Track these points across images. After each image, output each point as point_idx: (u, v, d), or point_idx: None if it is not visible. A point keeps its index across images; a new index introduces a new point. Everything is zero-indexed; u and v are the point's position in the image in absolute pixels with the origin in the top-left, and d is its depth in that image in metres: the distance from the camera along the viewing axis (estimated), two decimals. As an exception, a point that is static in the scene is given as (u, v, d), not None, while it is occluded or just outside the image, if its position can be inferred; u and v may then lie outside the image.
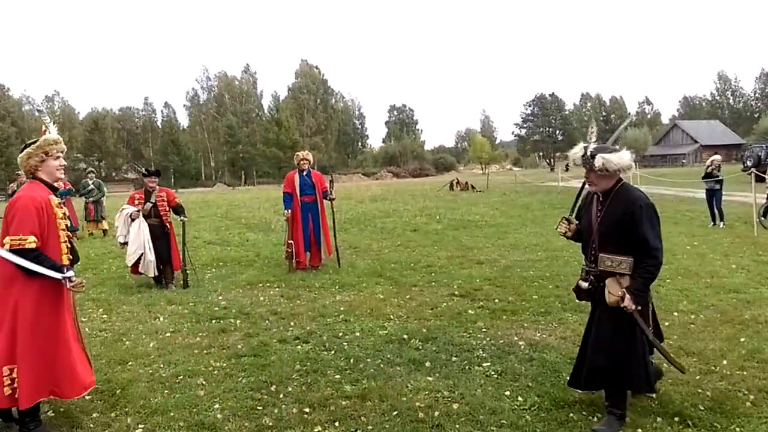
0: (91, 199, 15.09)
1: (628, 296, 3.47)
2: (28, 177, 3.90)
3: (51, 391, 3.77)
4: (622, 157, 3.58)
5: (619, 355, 3.59)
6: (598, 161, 3.54)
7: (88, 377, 4.00)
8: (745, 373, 4.49)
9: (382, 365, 4.95)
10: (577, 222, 3.91)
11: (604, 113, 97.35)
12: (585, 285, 3.76)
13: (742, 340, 5.24)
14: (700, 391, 4.17)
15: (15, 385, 3.59)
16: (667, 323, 5.86)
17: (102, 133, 75.24)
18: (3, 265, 3.57)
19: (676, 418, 3.74)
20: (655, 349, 3.80)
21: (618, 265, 3.57)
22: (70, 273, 3.71)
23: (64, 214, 3.85)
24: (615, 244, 3.58)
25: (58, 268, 3.65)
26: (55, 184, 3.98)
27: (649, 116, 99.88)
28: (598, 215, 3.70)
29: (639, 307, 3.50)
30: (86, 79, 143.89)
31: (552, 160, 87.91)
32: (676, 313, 6.20)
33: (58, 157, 3.88)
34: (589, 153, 3.64)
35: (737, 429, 3.58)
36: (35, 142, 3.90)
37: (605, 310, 3.63)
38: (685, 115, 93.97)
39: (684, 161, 69.60)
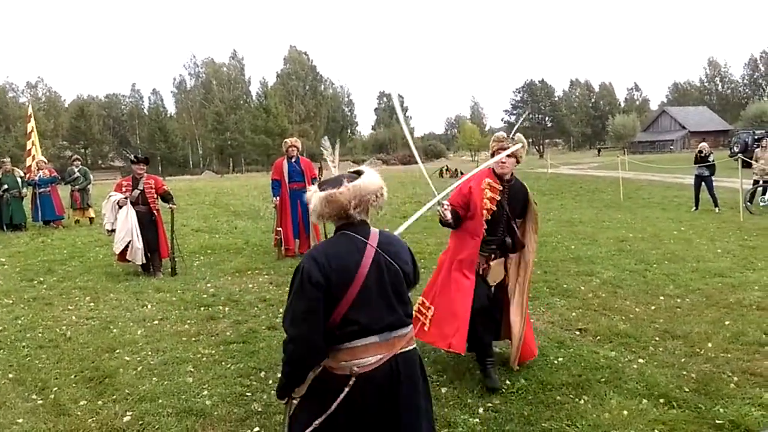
0: (76, 186, 14.91)
1: None
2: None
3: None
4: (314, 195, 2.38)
5: None
6: None
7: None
8: (729, 355, 4.55)
9: (371, 351, 4.96)
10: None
11: (592, 100, 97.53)
12: None
13: (727, 323, 5.31)
14: (685, 373, 4.23)
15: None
16: (653, 307, 5.93)
17: (88, 121, 74.22)
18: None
19: (662, 400, 3.79)
20: None
21: None
22: None
23: (491, 198, 4.19)
24: None
25: None
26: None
27: (637, 102, 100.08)
28: None
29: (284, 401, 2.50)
30: (71, 66, 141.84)
31: (541, 147, 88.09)
32: (662, 297, 6.26)
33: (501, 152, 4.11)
34: None
35: (721, 410, 3.63)
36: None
37: None
38: (674, 101, 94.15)
39: (672, 147, 69.96)
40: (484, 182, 4.18)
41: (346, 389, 2.28)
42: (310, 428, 2.29)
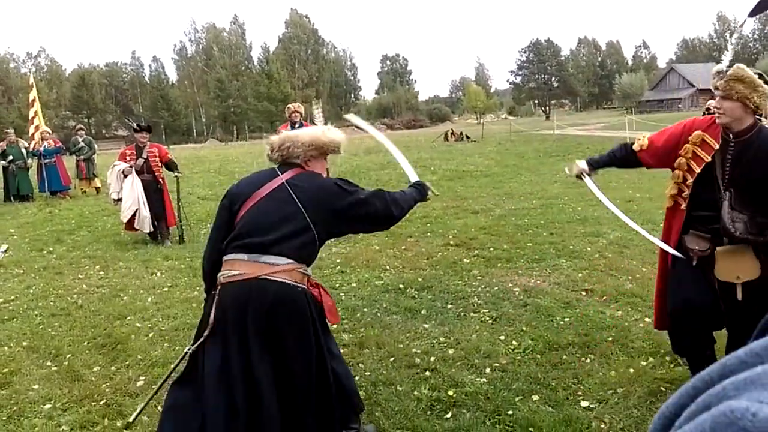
0: (81, 156, 14.90)
1: None
2: None
3: None
4: None
5: None
6: None
7: None
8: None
9: (378, 314, 5.01)
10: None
11: (599, 59, 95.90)
12: None
13: (734, 281, 5.31)
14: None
15: None
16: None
17: (89, 90, 73.80)
18: None
19: (668, 358, 3.81)
20: None
21: None
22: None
23: (696, 157, 2.97)
24: None
25: None
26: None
27: (645, 60, 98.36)
28: None
29: None
30: (71, 35, 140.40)
31: (548, 108, 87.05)
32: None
33: None
34: None
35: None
36: None
37: None
38: (682, 58, 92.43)
39: (680, 106, 68.98)
40: (694, 134, 2.99)
41: (215, 298, 2.55)
42: (200, 340, 2.57)
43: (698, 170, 2.93)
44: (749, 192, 2.87)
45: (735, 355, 0.40)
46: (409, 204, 2.93)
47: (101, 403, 3.69)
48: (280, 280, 2.51)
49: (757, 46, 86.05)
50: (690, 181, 2.97)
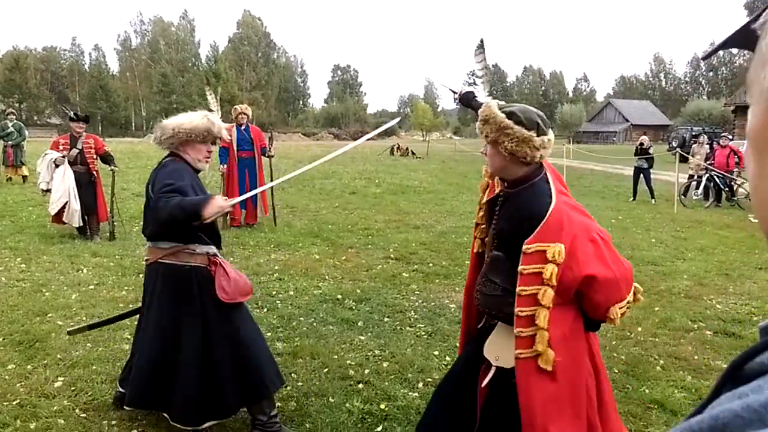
0: (10, 142, 14.13)
1: None
2: None
3: None
4: None
5: None
6: None
7: None
8: (656, 339, 4.79)
9: (315, 324, 4.96)
10: None
11: (543, 87, 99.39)
12: None
13: (656, 309, 5.57)
14: (615, 355, 4.43)
15: None
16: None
17: (23, 74, 70.07)
18: None
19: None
20: None
21: None
22: None
23: (482, 215, 2.51)
24: None
25: None
26: None
27: (585, 93, 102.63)
28: None
29: None
30: (6, 14, 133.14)
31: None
32: (598, 282, 6.49)
33: None
34: None
35: (646, 390, 3.83)
36: None
37: None
38: (619, 93, 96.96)
39: (615, 139, 72.19)
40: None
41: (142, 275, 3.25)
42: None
43: (480, 235, 2.53)
44: (509, 259, 2.21)
45: (728, 408, 0.36)
46: (184, 211, 2.72)
47: (14, 403, 3.47)
48: (167, 262, 2.97)
49: (688, 88, 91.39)
50: (478, 247, 2.58)
